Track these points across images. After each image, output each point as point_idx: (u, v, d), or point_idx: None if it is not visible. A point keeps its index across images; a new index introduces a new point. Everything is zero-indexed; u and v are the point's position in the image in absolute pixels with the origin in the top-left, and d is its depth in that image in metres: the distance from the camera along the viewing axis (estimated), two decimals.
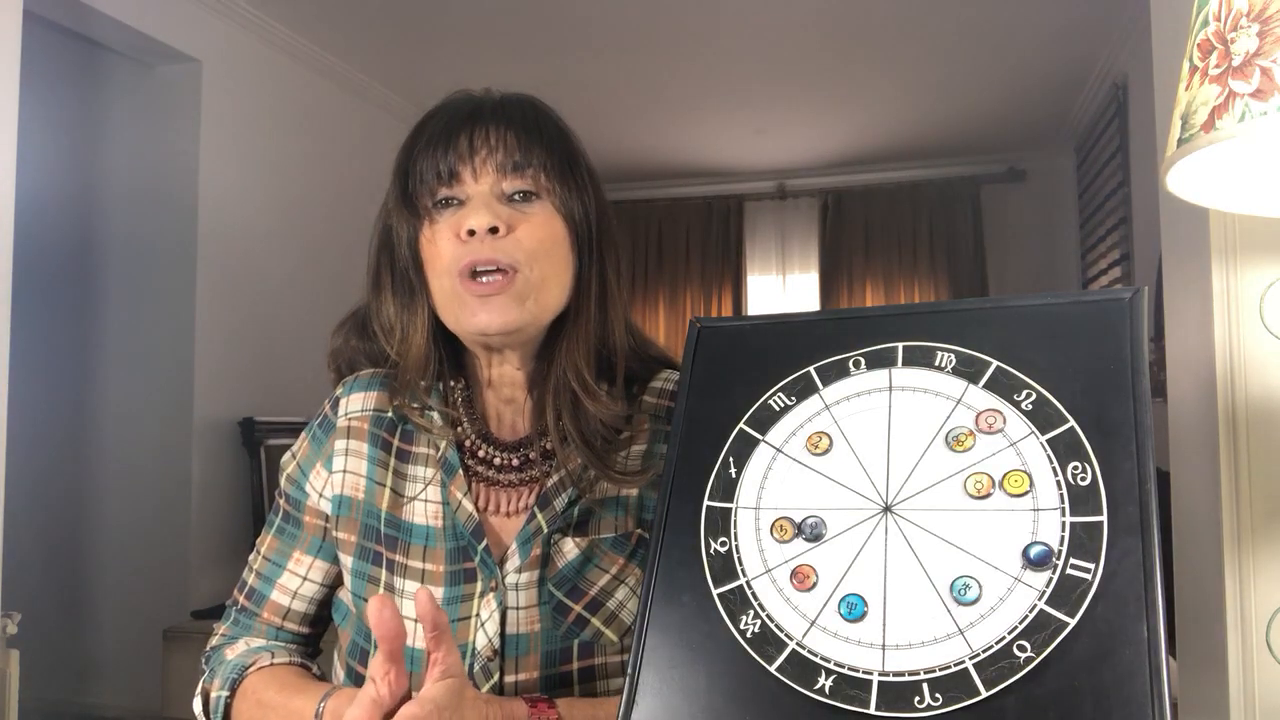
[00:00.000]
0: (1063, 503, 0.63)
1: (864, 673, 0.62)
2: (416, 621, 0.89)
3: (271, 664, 0.92)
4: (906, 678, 0.61)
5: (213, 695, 0.91)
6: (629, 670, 0.68)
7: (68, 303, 3.36)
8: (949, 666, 0.61)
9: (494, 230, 0.86)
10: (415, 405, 0.94)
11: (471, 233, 0.86)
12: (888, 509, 0.68)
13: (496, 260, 0.86)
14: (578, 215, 0.91)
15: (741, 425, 0.75)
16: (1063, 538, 0.62)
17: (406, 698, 0.70)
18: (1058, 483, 0.64)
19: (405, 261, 0.92)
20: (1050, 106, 4.48)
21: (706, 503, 0.73)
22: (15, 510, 2.19)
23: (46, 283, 3.29)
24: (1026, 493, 0.64)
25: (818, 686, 0.63)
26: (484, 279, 0.87)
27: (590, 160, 0.95)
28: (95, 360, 3.32)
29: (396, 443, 0.95)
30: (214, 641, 0.98)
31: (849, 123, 4.75)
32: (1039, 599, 0.61)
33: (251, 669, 0.91)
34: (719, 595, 0.68)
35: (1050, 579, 0.61)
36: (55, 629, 3.22)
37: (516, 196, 0.89)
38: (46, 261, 3.26)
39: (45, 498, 3.23)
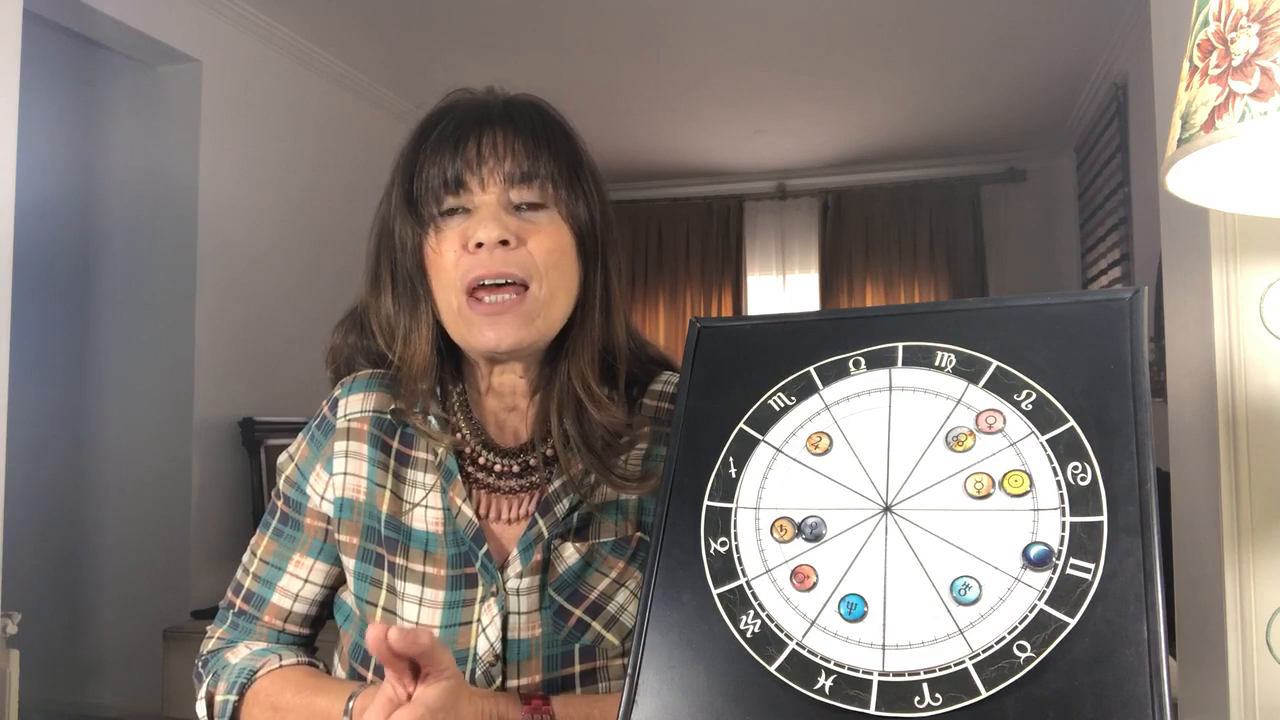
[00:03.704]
0: (1063, 503, 0.63)
1: (864, 673, 0.62)
2: (415, 625, 0.89)
3: (281, 666, 0.91)
4: (906, 678, 0.61)
5: (218, 699, 0.90)
6: (629, 670, 0.68)
7: (68, 303, 3.35)
8: (949, 666, 0.61)
9: (504, 243, 0.85)
10: (417, 411, 0.93)
11: (480, 245, 0.85)
12: (888, 509, 0.68)
13: (506, 273, 0.85)
14: (583, 222, 0.90)
15: (741, 425, 0.75)
16: (1063, 538, 0.62)
17: None
18: (1058, 483, 0.64)
19: (409, 268, 0.91)
20: (1050, 106, 4.48)
21: (706, 503, 0.73)
22: (15, 510, 2.19)
23: (46, 283, 3.29)
24: (1026, 493, 0.64)
25: (818, 686, 0.63)
26: (491, 298, 0.86)
27: (594, 162, 0.94)
28: (95, 360, 3.32)
29: (396, 445, 0.95)
30: (210, 645, 0.97)
31: (849, 123, 4.75)
32: (1039, 599, 0.61)
33: (260, 673, 0.90)
34: (719, 595, 0.68)
35: (1050, 579, 0.61)
36: (55, 629, 3.22)
37: (524, 207, 0.88)
38: (46, 261, 3.26)
39: (45, 498, 3.23)
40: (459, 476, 0.92)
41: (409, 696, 0.71)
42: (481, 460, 0.93)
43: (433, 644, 0.70)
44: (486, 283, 0.86)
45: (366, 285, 0.96)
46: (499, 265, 0.85)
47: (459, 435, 0.94)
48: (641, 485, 0.90)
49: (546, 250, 0.87)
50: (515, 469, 0.93)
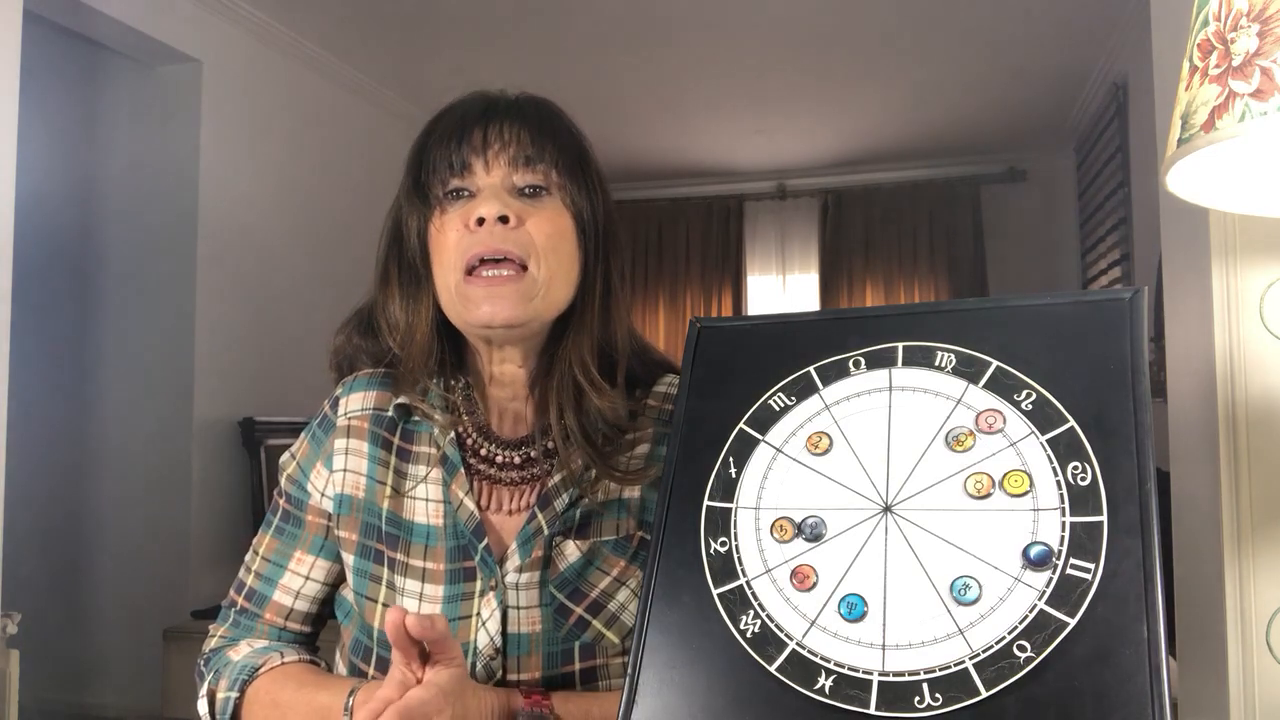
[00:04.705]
0: (1063, 503, 0.63)
1: (864, 673, 0.62)
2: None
3: (282, 663, 0.91)
4: (906, 678, 0.61)
5: (219, 696, 0.91)
6: (629, 670, 0.68)
7: (68, 303, 3.36)
8: (949, 666, 0.61)
9: (504, 220, 0.86)
10: (418, 393, 0.94)
11: (481, 221, 0.86)
12: (888, 509, 0.68)
13: (506, 251, 0.86)
14: (586, 214, 0.92)
15: (741, 425, 0.75)
16: (1063, 538, 0.62)
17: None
18: (1058, 483, 0.64)
19: (413, 252, 0.92)
20: (1050, 106, 4.48)
21: (706, 503, 0.73)
22: (15, 510, 2.19)
23: (46, 283, 3.29)
24: (1026, 493, 0.64)
25: (818, 686, 0.63)
26: (490, 272, 0.87)
27: (599, 164, 0.96)
28: (95, 360, 3.32)
29: (397, 441, 0.95)
30: (212, 644, 0.97)
31: (849, 122, 4.75)
32: (1039, 599, 0.61)
33: (262, 670, 0.90)
34: (719, 595, 0.68)
35: (1050, 579, 0.61)
36: (55, 629, 3.22)
37: (527, 191, 0.89)
38: (46, 261, 3.26)
39: (46, 498, 3.23)
40: (461, 468, 0.92)
41: (418, 680, 0.73)
42: (483, 451, 0.94)
43: (446, 630, 0.72)
44: (485, 258, 0.87)
45: (376, 283, 0.97)
46: (498, 242, 0.86)
47: (460, 425, 0.94)
48: (639, 479, 0.91)
49: (546, 233, 0.88)
50: (516, 460, 0.93)
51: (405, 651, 0.72)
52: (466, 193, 0.90)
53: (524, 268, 0.87)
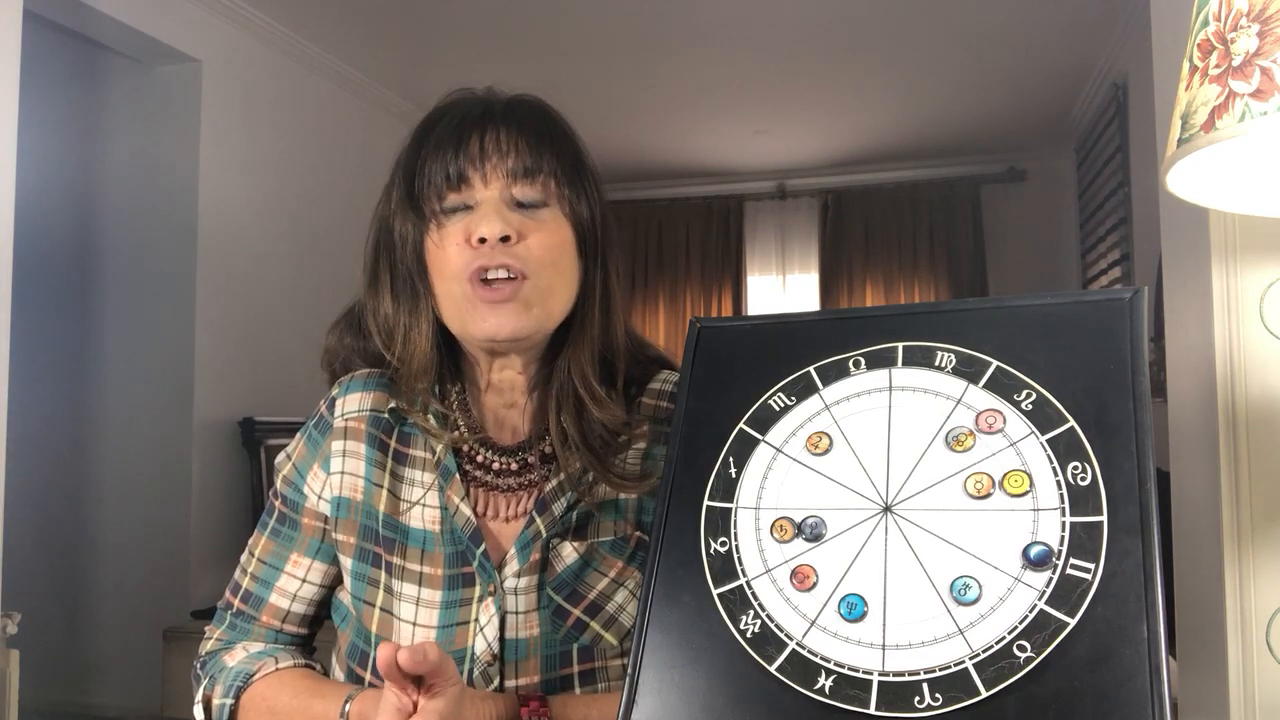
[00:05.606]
0: (1063, 503, 0.63)
1: (864, 673, 0.62)
2: (413, 625, 0.89)
3: (277, 669, 0.91)
4: (906, 678, 0.61)
5: (215, 703, 0.90)
6: (629, 670, 0.68)
7: (68, 303, 3.35)
8: (949, 666, 0.61)
9: (505, 238, 0.86)
10: (416, 408, 0.93)
11: (482, 240, 0.86)
12: (888, 509, 0.68)
13: (508, 265, 0.86)
14: (584, 220, 0.91)
15: (741, 425, 0.75)
16: (1063, 538, 0.62)
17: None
18: (1058, 483, 0.64)
19: (408, 264, 0.91)
20: (1050, 106, 4.48)
21: (706, 503, 0.73)
22: (15, 510, 2.19)
23: (46, 283, 3.29)
24: (1026, 493, 0.64)
25: (818, 686, 0.63)
26: (494, 285, 0.86)
27: (594, 162, 0.95)
28: (95, 360, 3.32)
29: (394, 444, 0.95)
30: (208, 646, 0.97)
31: (849, 123, 4.75)
32: (1039, 599, 0.61)
33: (257, 676, 0.90)
34: (719, 595, 0.68)
35: (1050, 579, 0.61)
36: (55, 629, 3.22)
37: (527, 204, 0.89)
38: (46, 261, 3.26)
39: (45, 498, 3.23)
40: (457, 475, 0.92)
41: (414, 705, 0.72)
42: (480, 458, 0.93)
43: (440, 659, 0.70)
44: (488, 275, 0.86)
45: (364, 285, 0.96)
46: (500, 258, 0.86)
47: (457, 433, 0.94)
48: (640, 484, 0.90)
49: (546, 246, 0.88)
50: (513, 467, 0.93)
51: (399, 683, 0.71)
52: (464, 207, 0.88)
53: (525, 278, 0.87)
